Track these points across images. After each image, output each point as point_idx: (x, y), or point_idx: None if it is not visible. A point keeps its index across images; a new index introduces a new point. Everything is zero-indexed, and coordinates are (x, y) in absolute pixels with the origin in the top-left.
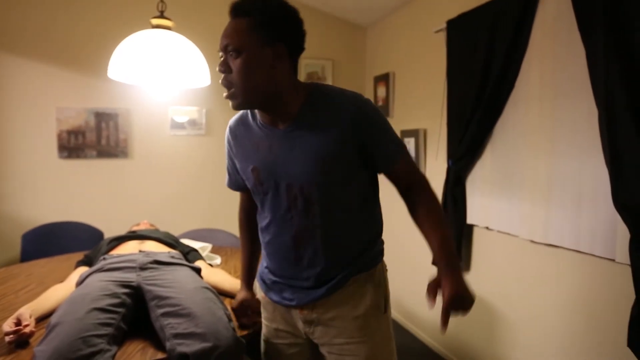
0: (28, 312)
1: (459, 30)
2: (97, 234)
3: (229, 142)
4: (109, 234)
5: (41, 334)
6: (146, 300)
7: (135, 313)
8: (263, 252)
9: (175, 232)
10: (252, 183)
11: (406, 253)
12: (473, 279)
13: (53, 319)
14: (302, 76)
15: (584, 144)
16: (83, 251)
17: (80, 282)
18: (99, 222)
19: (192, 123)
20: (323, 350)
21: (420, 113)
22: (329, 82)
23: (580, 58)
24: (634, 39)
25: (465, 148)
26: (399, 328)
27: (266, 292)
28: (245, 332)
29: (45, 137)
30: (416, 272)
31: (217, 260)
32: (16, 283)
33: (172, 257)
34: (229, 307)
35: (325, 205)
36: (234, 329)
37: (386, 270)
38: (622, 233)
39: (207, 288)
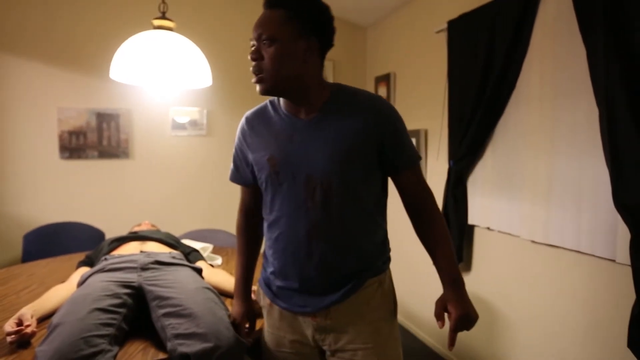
0: (29, 312)
1: (459, 31)
2: (98, 235)
3: (242, 133)
4: (110, 234)
5: (42, 334)
6: (147, 300)
7: (137, 313)
8: (268, 254)
9: (176, 233)
10: (266, 173)
11: (405, 253)
12: (474, 279)
13: (54, 319)
14: None
15: (584, 144)
16: (84, 251)
17: (81, 283)
18: (100, 223)
19: (193, 124)
20: (333, 358)
21: (421, 113)
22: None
23: (580, 58)
24: (634, 39)
25: (466, 148)
26: (399, 328)
27: (272, 299)
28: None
29: (46, 137)
30: (416, 272)
31: (218, 260)
32: (17, 283)
33: (173, 257)
34: (230, 308)
35: (343, 199)
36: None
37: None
38: (623, 233)
39: (208, 288)
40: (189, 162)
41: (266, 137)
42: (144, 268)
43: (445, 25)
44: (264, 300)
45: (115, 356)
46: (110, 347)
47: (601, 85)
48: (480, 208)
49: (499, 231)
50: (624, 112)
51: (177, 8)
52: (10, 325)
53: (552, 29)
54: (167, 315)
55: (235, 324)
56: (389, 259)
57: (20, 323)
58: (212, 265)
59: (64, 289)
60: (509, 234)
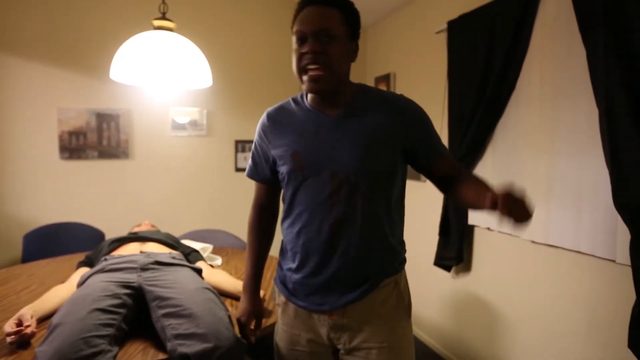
0: (29, 312)
1: (459, 31)
2: (98, 235)
3: (263, 129)
4: (110, 234)
5: (42, 335)
6: (147, 300)
7: (137, 314)
8: (287, 250)
9: (176, 233)
10: (288, 168)
11: (406, 253)
12: (474, 279)
13: (54, 320)
14: None
15: (584, 144)
16: (84, 252)
17: (81, 283)
18: (100, 223)
19: (193, 124)
20: (348, 357)
21: None
22: None
23: (580, 58)
24: (634, 39)
25: (466, 148)
26: None
27: (288, 297)
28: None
29: (46, 137)
30: (416, 272)
31: (218, 260)
32: (17, 284)
33: (173, 257)
34: (230, 308)
35: (367, 196)
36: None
37: None
38: (623, 233)
39: (208, 289)
40: (188, 163)
41: (289, 132)
42: (143, 268)
43: (445, 26)
44: (279, 298)
45: (115, 356)
46: (110, 347)
47: (601, 85)
48: None
49: (499, 231)
50: (624, 112)
51: (177, 8)
52: (10, 326)
53: (552, 29)
54: (167, 315)
55: (242, 322)
56: (404, 260)
57: (20, 323)
58: (212, 266)
59: (64, 289)
60: (509, 234)
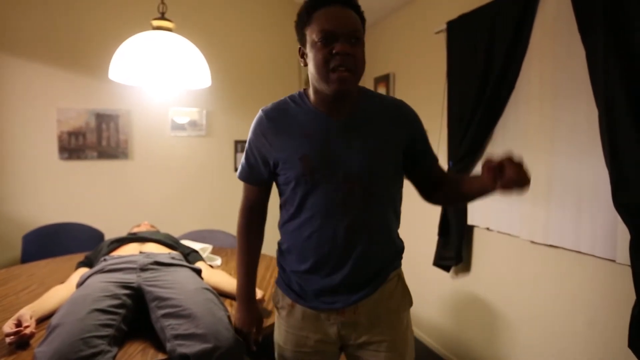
0: (29, 313)
1: (459, 31)
2: (97, 235)
3: (262, 130)
4: (109, 235)
5: (42, 335)
6: (147, 301)
7: (136, 314)
8: (293, 253)
9: (176, 233)
10: (297, 172)
11: (406, 253)
12: (473, 279)
13: (54, 320)
14: (303, 78)
15: (584, 144)
16: (84, 252)
17: (81, 283)
18: (99, 223)
19: (193, 124)
20: (359, 352)
21: (421, 114)
22: None
23: (580, 58)
24: (634, 39)
25: (466, 149)
26: None
27: (295, 300)
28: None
29: (45, 138)
30: (416, 272)
31: (218, 261)
32: (17, 284)
33: (173, 258)
34: (229, 308)
35: (379, 197)
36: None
37: None
38: (623, 234)
39: (207, 289)
40: (188, 163)
41: (294, 135)
42: (143, 269)
43: (444, 26)
44: (283, 301)
45: (114, 357)
46: (110, 347)
47: (601, 85)
48: (480, 208)
49: (499, 231)
50: (623, 112)
51: (176, 9)
52: (9, 326)
53: (551, 29)
54: (167, 316)
55: (244, 332)
56: (402, 253)
57: (19, 324)
58: (211, 266)
59: (64, 289)
60: (509, 235)
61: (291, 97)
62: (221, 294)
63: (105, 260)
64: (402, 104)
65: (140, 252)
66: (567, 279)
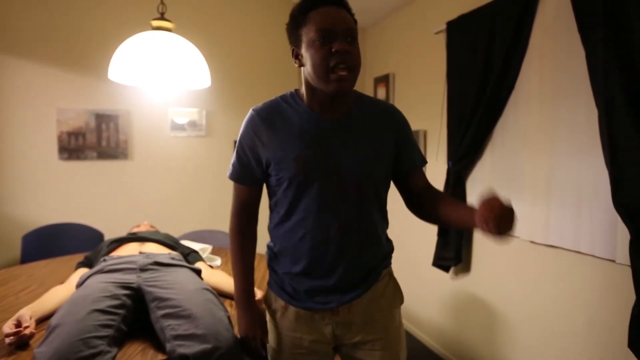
0: (28, 313)
1: (458, 32)
2: (97, 236)
3: (254, 130)
4: (109, 235)
5: (41, 336)
6: (146, 301)
7: (136, 314)
8: (285, 255)
9: (176, 234)
10: (290, 173)
11: (405, 253)
12: (473, 279)
13: (53, 321)
14: (302, 77)
15: (583, 144)
16: (83, 252)
17: (80, 284)
18: (99, 224)
19: (192, 124)
20: (354, 351)
21: (421, 114)
22: None
23: (580, 58)
24: (634, 39)
25: (466, 149)
26: None
27: (289, 301)
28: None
29: (45, 138)
30: (416, 273)
31: (218, 261)
32: (16, 284)
33: (173, 258)
34: (229, 309)
35: (372, 198)
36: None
37: None
38: (622, 234)
39: (207, 289)
40: (188, 163)
41: (287, 135)
42: (143, 269)
43: (444, 26)
44: (276, 303)
45: (114, 357)
46: (109, 348)
47: (600, 86)
48: None
49: None
50: (623, 112)
51: (176, 9)
52: (9, 327)
53: (551, 29)
54: (166, 316)
55: (250, 338)
56: (392, 252)
57: (19, 324)
58: (211, 266)
59: (63, 290)
60: (509, 235)
61: (282, 97)
62: (221, 294)
63: (104, 260)
64: (394, 109)
65: (140, 253)
66: (567, 279)
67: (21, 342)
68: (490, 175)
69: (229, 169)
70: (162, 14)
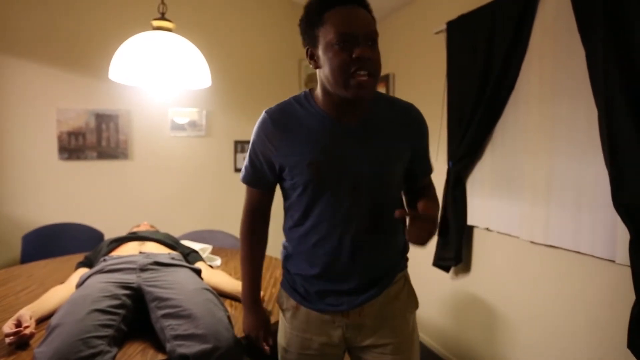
0: (28, 313)
1: (459, 32)
2: (97, 235)
3: (266, 133)
4: (109, 235)
5: (41, 336)
6: (146, 301)
7: (136, 314)
8: (296, 257)
9: (176, 234)
10: (305, 178)
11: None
12: (473, 279)
13: (53, 320)
14: (303, 78)
15: (583, 144)
16: (83, 252)
17: (80, 284)
18: (99, 224)
19: (192, 124)
20: (364, 354)
21: None
22: None
23: (580, 58)
24: (634, 39)
25: (466, 149)
26: None
27: (300, 302)
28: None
29: (45, 138)
30: (415, 272)
31: (218, 261)
32: (16, 284)
33: (173, 258)
34: (229, 309)
35: (387, 204)
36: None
37: None
38: (622, 234)
39: (207, 289)
40: (188, 163)
41: (301, 139)
42: (143, 269)
43: (444, 26)
44: (287, 303)
45: (114, 357)
46: (109, 348)
47: (600, 85)
48: (480, 209)
49: (499, 232)
50: (623, 112)
51: (176, 9)
52: (9, 327)
53: (551, 29)
54: (166, 316)
55: (253, 337)
56: (408, 256)
57: (19, 324)
58: (211, 266)
59: (63, 290)
60: (509, 235)
61: (296, 99)
62: (221, 294)
63: (104, 260)
64: (412, 108)
65: (140, 252)
66: (567, 280)
67: (21, 342)
68: (490, 175)
69: (241, 172)
70: (163, 14)
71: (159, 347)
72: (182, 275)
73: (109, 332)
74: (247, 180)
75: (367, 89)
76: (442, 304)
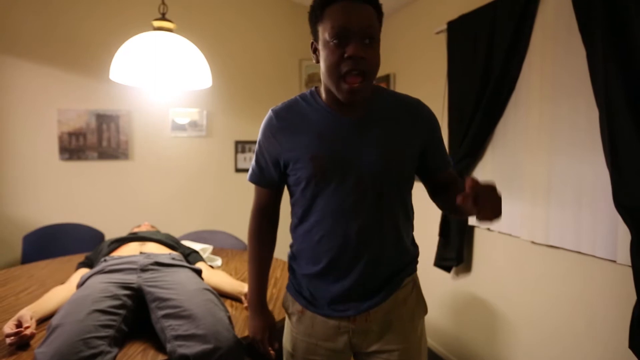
0: (29, 313)
1: (459, 32)
2: (98, 236)
3: (272, 130)
4: (109, 235)
5: (42, 336)
6: (147, 301)
7: (136, 315)
8: (303, 258)
9: (176, 234)
10: (308, 173)
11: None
12: (474, 280)
13: (54, 321)
14: (303, 78)
15: (584, 144)
16: (84, 253)
17: (81, 284)
18: (99, 224)
19: (193, 125)
20: (367, 359)
21: None
22: None
23: (580, 58)
24: (634, 39)
25: (466, 149)
26: None
27: (306, 306)
28: (247, 334)
29: (46, 138)
30: (418, 273)
31: (218, 261)
32: (17, 285)
33: (173, 258)
34: (230, 309)
35: (392, 201)
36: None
37: None
38: (623, 234)
39: (207, 289)
40: (188, 164)
41: (305, 134)
42: (143, 269)
43: (445, 26)
44: (293, 307)
45: (114, 358)
46: (110, 348)
47: (601, 86)
48: None
49: (499, 232)
50: (623, 112)
51: (177, 9)
52: (9, 327)
53: (552, 29)
54: (167, 316)
55: (258, 340)
56: (418, 259)
57: (19, 324)
58: (211, 267)
59: (64, 290)
60: (509, 235)
61: (302, 96)
62: (221, 295)
63: (105, 260)
64: (419, 103)
65: (141, 253)
66: (568, 280)
67: (22, 342)
68: (491, 175)
69: (249, 171)
70: (164, 14)
71: (160, 347)
72: (183, 276)
73: (109, 332)
74: (253, 179)
75: (357, 94)
76: (443, 304)
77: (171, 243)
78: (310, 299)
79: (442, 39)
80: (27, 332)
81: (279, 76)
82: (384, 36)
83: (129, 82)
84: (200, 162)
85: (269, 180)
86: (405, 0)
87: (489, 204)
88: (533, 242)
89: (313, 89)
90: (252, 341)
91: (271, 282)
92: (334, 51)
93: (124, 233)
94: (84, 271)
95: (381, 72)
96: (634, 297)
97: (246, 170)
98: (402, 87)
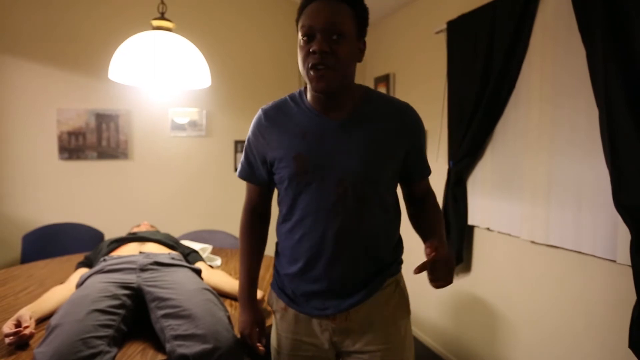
0: (28, 313)
1: (459, 31)
2: (97, 235)
3: (260, 129)
4: (109, 235)
5: (41, 336)
6: (146, 301)
7: (136, 314)
8: (285, 256)
9: (176, 234)
10: (290, 172)
11: (405, 253)
12: (474, 279)
13: (53, 321)
14: (302, 77)
15: (584, 144)
16: (83, 252)
17: (80, 284)
18: (99, 224)
19: (193, 124)
20: (350, 359)
21: (421, 114)
22: None
23: (580, 58)
24: (634, 39)
25: (466, 149)
26: None
27: (288, 303)
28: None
29: (45, 138)
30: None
31: (218, 261)
32: (16, 284)
33: (173, 258)
34: (229, 309)
35: (372, 202)
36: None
37: None
38: (623, 234)
39: (207, 289)
40: (188, 163)
41: (290, 134)
42: (143, 269)
43: (444, 26)
44: (277, 304)
45: (114, 357)
46: (109, 348)
47: (601, 86)
48: (480, 209)
49: (499, 232)
50: (623, 112)
51: (176, 9)
52: (8, 327)
53: (552, 29)
54: (166, 316)
55: (245, 335)
56: (402, 260)
57: (18, 324)
58: (211, 266)
59: (63, 290)
60: (509, 235)
61: (291, 96)
62: (221, 294)
63: (104, 260)
64: (407, 108)
65: (140, 252)
66: (568, 280)
67: (21, 342)
68: (490, 175)
69: (238, 167)
70: (163, 13)
71: (159, 347)
72: (182, 275)
73: (108, 332)
74: (242, 175)
75: (322, 82)
76: (442, 304)
77: (170, 243)
78: (292, 297)
79: (442, 39)
80: (27, 331)
81: (278, 76)
82: (384, 36)
83: (128, 81)
84: (200, 161)
85: (258, 177)
86: (405, 0)
87: (441, 274)
88: (533, 242)
89: (302, 89)
90: (240, 336)
91: (265, 278)
92: (303, 48)
93: (123, 233)
94: (83, 271)
95: (381, 72)
96: (634, 297)
97: None
98: (401, 87)
